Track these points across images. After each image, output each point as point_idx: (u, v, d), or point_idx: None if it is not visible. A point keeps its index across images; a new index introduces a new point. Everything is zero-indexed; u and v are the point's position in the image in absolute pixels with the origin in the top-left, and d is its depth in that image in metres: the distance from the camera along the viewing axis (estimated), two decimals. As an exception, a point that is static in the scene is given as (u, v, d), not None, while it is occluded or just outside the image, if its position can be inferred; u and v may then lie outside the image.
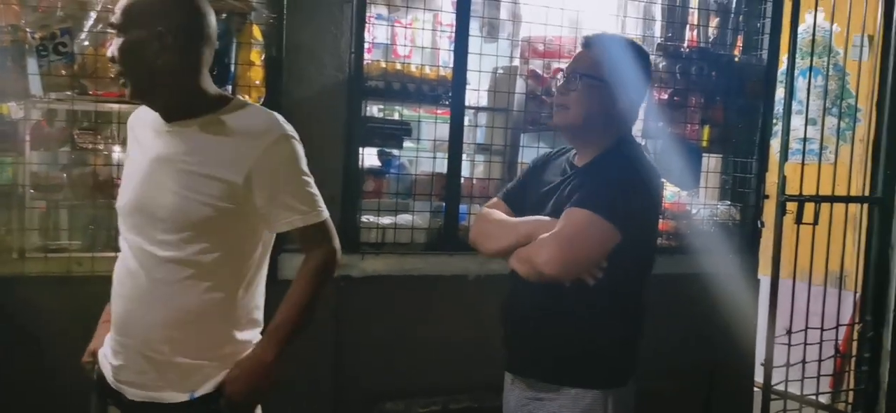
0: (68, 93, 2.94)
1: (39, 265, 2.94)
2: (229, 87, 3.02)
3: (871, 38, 4.60)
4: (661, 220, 3.79)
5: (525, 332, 2.43)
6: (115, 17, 2.01)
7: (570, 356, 2.34)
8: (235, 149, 2.00)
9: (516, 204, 2.51)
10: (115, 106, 2.97)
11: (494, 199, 2.61)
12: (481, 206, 3.63)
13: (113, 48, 2.02)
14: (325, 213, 2.09)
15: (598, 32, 2.51)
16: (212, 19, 2.08)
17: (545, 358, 2.37)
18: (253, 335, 2.13)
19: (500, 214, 2.48)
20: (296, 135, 2.08)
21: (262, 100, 3.13)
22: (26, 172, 2.94)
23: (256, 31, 3.13)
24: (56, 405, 2.90)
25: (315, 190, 2.09)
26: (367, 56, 3.43)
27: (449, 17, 3.65)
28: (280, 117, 2.09)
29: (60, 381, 2.89)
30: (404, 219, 3.54)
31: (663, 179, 3.84)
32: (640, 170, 2.33)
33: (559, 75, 2.42)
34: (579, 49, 2.48)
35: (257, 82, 3.12)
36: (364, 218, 3.45)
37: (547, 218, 2.30)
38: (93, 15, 2.96)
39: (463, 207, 3.61)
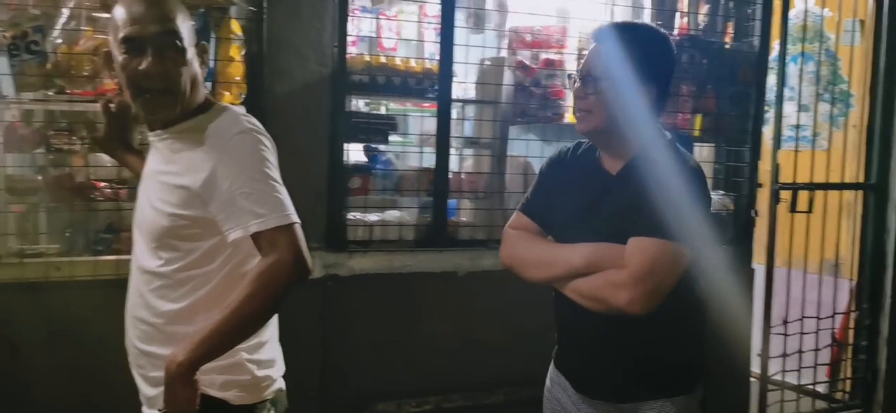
0: (43, 92, 2.82)
1: (15, 271, 2.81)
2: (209, 85, 2.92)
3: (862, 22, 4.52)
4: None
5: (593, 357, 2.27)
6: (147, 30, 1.86)
7: (647, 371, 2.20)
8: (200, 154, 1.87)
9: (542, 217, 2.33)
10: (92, 105, 2.86)
11: (516, 214, 2.39)
12: (471, 201, 3.60)
13: (154, 65, 1.87)
14: (288, 219, 1.83)
15: (608, 24, 2.31)
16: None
17: (622, 379, 2.22)
18: (246, 354, 1.98)
19: (536, 238, 2.31)
20: (260, 130, 1.91)
21: (243, 96, 3.03)
22: (0, 175, 2.83)
23: (236, 26, 3.03)
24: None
25: (280, 193, 1.86)
26: (351, 49, 3.34)
27: (434, 9, 3.54)
28: (247, 116, 1.94)
29: (36, 390, 2.81)
30: (392, 215, 3.46)
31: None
32: (691, 173, 2.14)
33: (575, 76, 2.22)
34: (591, 44, 2.24)
35: (238, 78, 3.02)
36: (350, 215, 3.35)
37: (603, 245, 2.11)
38: (65, 12, 2.86)
39: (452, 202, 3.53)
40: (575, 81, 2.22)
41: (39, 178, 2.89)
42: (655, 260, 2.02)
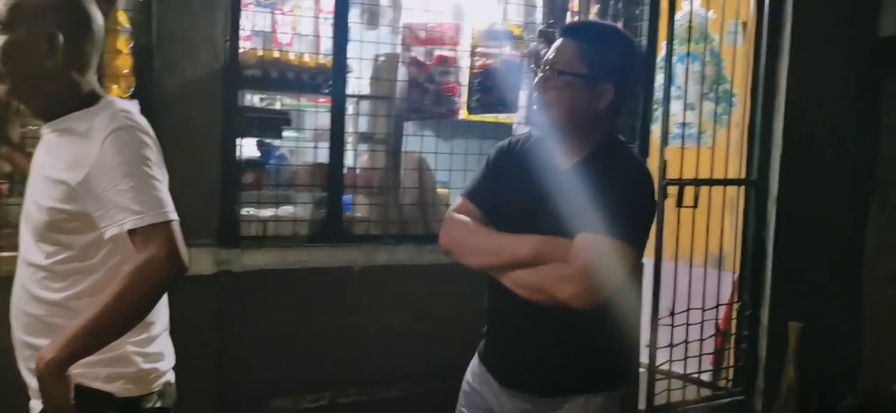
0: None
1: None
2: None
3: (744, 24, 4.75)
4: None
5: (521, 348, 2.29)
6: None
7: (574, 365, 2.24)
8: (79, 149, 1.89)
9: (488, 205, 2.32)
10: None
11: (460, 200, 2.38)
12: (366, 196, 3.65)
13: None
14: (164, 217, 1.84)
15: (578, 21, 2.34)
16: (100, 20, 2.02)
17: (548, 372, 2.26)
18: (133, 346, 1.99)
19: (480, 226, 2.29)
20: (139, 126, 1.91)
21: (132, 90, 3.02)
22: None
23: (123, 17, 3.00)
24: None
25: (158, 190, 1.87)
26: (244, 44, 3.35)
27: (329, 4, 3.57)
28: (127, 111, 1.93)
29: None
30: (286, 211, 3.48)
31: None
32: (644, 178, 2.21)
33: (540, 66, 2.22)
34: (559, 39, 2.24)
35: (126, 71, 3.00)
36: (244, 211, 3.36)
37: (551, 238, 2.12)
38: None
39: (347, 198, 3.57)
40: (538, 72, 2.22)
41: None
42: (603, 257, 2.03)
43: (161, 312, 2.10)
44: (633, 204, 2.13)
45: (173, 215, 1.87)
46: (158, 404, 2.05)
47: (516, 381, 2.32)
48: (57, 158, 1.93)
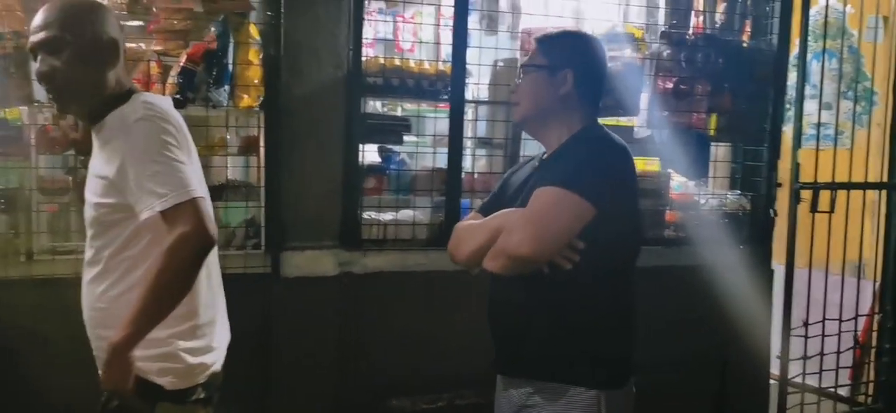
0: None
1: (47, 267, 3.20)
2: (227, 88, 3.29)
3: (885, 19, 4.77)
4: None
5: (512, 334, 2.54)
6: (35, 38, 2.20)
7: (559, 355, 2.41)
8: (114, 144, 2.16)
9: (493, 212, 2.61)
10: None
11: (472, 213, 2.73)
12: (484, 200, 3.92)
13: (41, 67, 2.20)
14: (188, 195, 2.07)
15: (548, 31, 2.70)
16: (113, 16, 2.32)
17: (534, 358, 2.45)
18: (179, 332, 2.24)
19: (470, 221, 2.62)
20: (161, 114, 2.15)
21: (261, 99, 3.40)
22: (33, 176, 3.22)
23: (254, 31, 3.38)
24: (65, 407, 3.18)
25: (182, 171, 2.10)
26: (367, 51, 3.67)
27: (450, 11, 3.82)
28: (148, 103, 2.18)
29: (70, 382, 3.18)
30: (406, 215, 3.76)
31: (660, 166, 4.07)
32: (606, 147, 2.42)
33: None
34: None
35: (256, 81, 3.37)
36: (365, 214, 3.67)
37: (514, 210, 2.39)
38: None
39: (465, 202, 3.81)
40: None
41: (70, 178, 3.26)
42: (548, 202, 2.28)
43: (204, 302, 2.32)
44: (586, 162, 2.36)
45: (198, 192, 2.10)
46: (202, 395, 2.33)
47: (501, 364, 2.60)
48: (99, 157, 2.24)
